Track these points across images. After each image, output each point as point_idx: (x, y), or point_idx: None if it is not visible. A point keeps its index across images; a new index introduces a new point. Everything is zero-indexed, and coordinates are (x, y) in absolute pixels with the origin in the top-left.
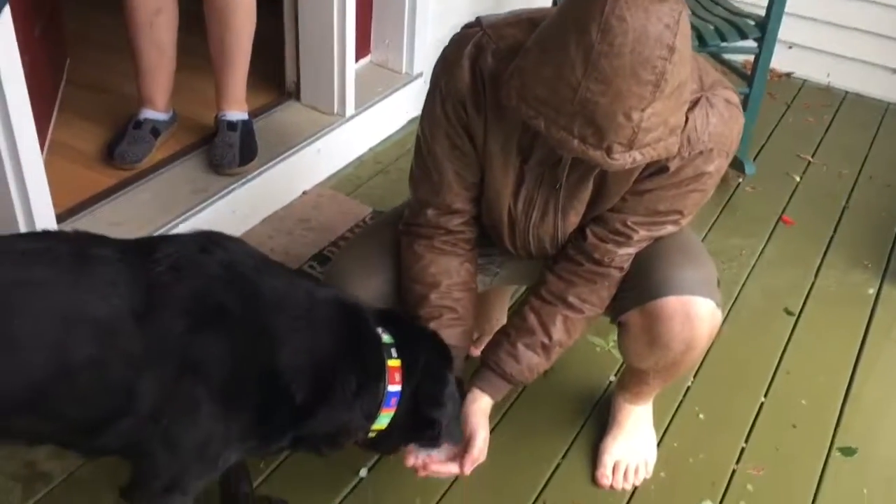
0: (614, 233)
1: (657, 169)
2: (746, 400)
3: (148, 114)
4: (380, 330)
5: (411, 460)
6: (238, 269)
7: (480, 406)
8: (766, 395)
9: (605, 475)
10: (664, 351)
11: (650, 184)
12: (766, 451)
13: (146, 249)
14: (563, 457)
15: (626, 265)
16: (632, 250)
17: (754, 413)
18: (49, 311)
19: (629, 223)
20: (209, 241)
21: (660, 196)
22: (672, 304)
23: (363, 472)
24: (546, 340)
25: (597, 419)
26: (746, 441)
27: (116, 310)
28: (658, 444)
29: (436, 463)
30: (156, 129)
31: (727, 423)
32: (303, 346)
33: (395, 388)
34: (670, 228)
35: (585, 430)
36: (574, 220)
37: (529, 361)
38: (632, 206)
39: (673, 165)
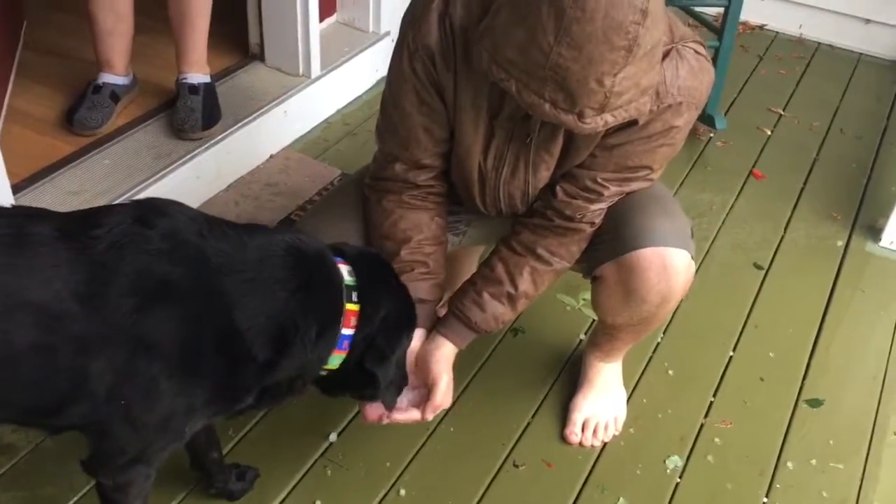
0: (585, 189)
1: (626, 123)
2: (715, 355)
3: (107, 78)
4: (347, 270)
5: (372, 414)
6: (181, 236)
7: (444, 352)
8: (734, 350)
9: (575, 433)
10: (640, 304)
11: (619, 138)
12: (734, 404)
13: (85, 224)
14: (533, 416)
15: (598, 220)
16: (603, 206)
17: (723, 367)
18: None
19: (599, 180)
20: (149, 210)
21: (629, 151)
22: (648, 255)
23: (333, 437)
24: (512, 290)
25: (567, 378)
26: (715, 395)
27: (58, 294)
28: (627, 401)
29: (397, 413)
30: (115, 94)
31: (696, 378)
32: (257, 305)
33: (348, 331)
34: (641, 184)
35: (555, 389)
36: (545, 174)
37: (494, 311)
38: (601, 162)
39: (642, 119)
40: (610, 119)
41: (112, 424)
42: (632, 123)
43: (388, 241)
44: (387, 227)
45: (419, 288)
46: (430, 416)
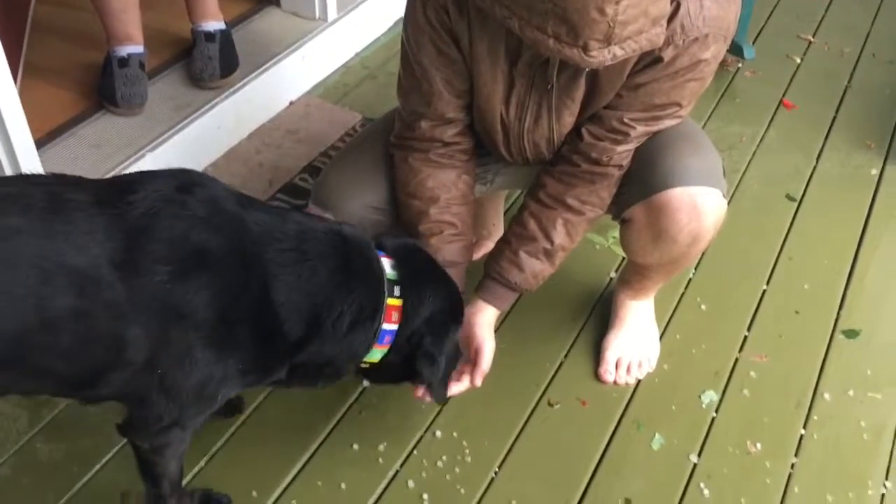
0: (611, 130)
1: (651, 60)
2: (748, 288)
3: (129, 49)
4: (388, 264)
5: (420, 392)
6: (220, 205)
7: (486, 318)
8: (768, 283)
9: (608, 371)
10: (670, 245)
11: (644, 76)
12: (769, 338)
13: (122, 190)
14: (566, 355)
15: (626, 163)
16: (630, 147)
17: (756, 301)
18: (25, 263)
19: (626, 120)
20: (187, 179)
21: (655, 88)
22: (678, 195)
23: (366, 382)
24: (548, 246)
25: (598, 316)
26: (749, 329)
27: (95, 259)
28: (660, 338)
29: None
30: (142, 63)
31: (729, 312)
32: (294, 280)
33: (390, 326)
34: (669, 122)
35: (587, 328)
36: (569, 120)
37: (533, 268)
38: (627, 101)
39: (667, 55)
40: (619, 52)
41: (149, 392)
42: (656, 61)
43: (416, 200)
44: (413, 185)
45: (450, 250)
46: (479, 383)
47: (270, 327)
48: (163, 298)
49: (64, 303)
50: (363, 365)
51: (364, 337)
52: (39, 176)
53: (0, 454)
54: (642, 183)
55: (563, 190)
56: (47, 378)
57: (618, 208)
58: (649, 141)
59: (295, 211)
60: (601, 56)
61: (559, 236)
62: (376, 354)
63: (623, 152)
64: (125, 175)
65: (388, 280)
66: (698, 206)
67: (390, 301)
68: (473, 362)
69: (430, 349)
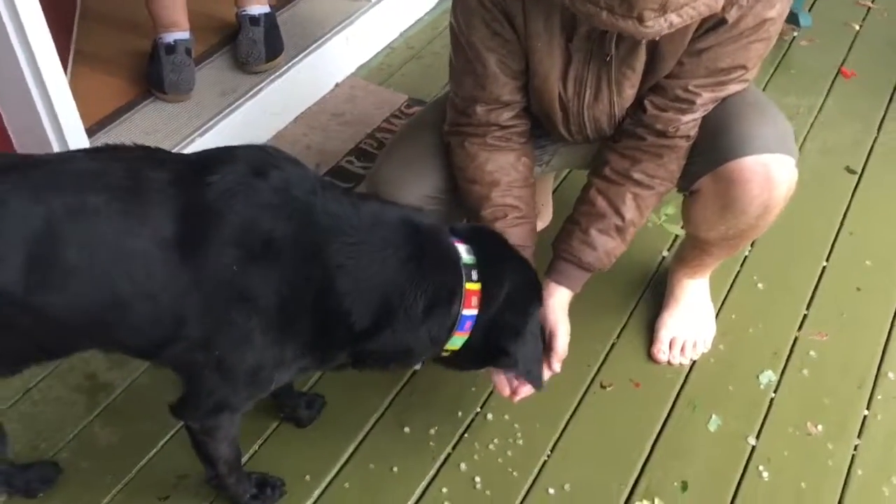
0: (675, 100)
1: (714, 23)
2: (807, 265)
3: (176, 35)
4: (464, 249)
5: (506, 391)
6: (292, 192)
7: (558, 300)
8: (827, 259)
9: (662, 351)
10: (738, 216)
11: (708, 41)
12: (830, 316)
13: (201, 170)
14: (619, 336)
15: (693, 133)
16: (697, 116)
17: (816, 278)
18: (103, 244)
19: (690, 87)
20: (264, 161)
21: (720, 52)
22: (750, 164)
23: (417, 365)
24: (619, 222)
25: (651, 296)
26: (808, 307)
27: (167, 242)
28: (716, 317)
29: (527, 388)
30: (188, 49)
31: (787, 290)
32: (362, 270)
33: (470, 311)
34: (735, 87)
35: (640, 308)
36: (630, 93)
37: (605, 246)
38: (690, 68)
39: (731, 17)
40: (675, 19)
41: (203, 370)
42: (720, 24)
43: (476, 185)
44: (472, 169)
45: (516, 234)
46: (558, 368)
47: (333, 317)
48: (228, 280)
49: (136, 286)
50: (444, 353)
51: (442, 323)
52: (124, 150)
53: (59, 439)
54: (710, 152)
55: (629, 165)
56: (114, 346)
57: (685, 181)
58: (717, 109)
59: (370, 198)
60: (657, 25)
61: (629, 211)
62: (457, 342)
63: (689, 122)
64: (207, 151)
65: (465, 265)
66: (772, 175)
67: (469, 286)
68: (549, 347)
69: (514, 323)
